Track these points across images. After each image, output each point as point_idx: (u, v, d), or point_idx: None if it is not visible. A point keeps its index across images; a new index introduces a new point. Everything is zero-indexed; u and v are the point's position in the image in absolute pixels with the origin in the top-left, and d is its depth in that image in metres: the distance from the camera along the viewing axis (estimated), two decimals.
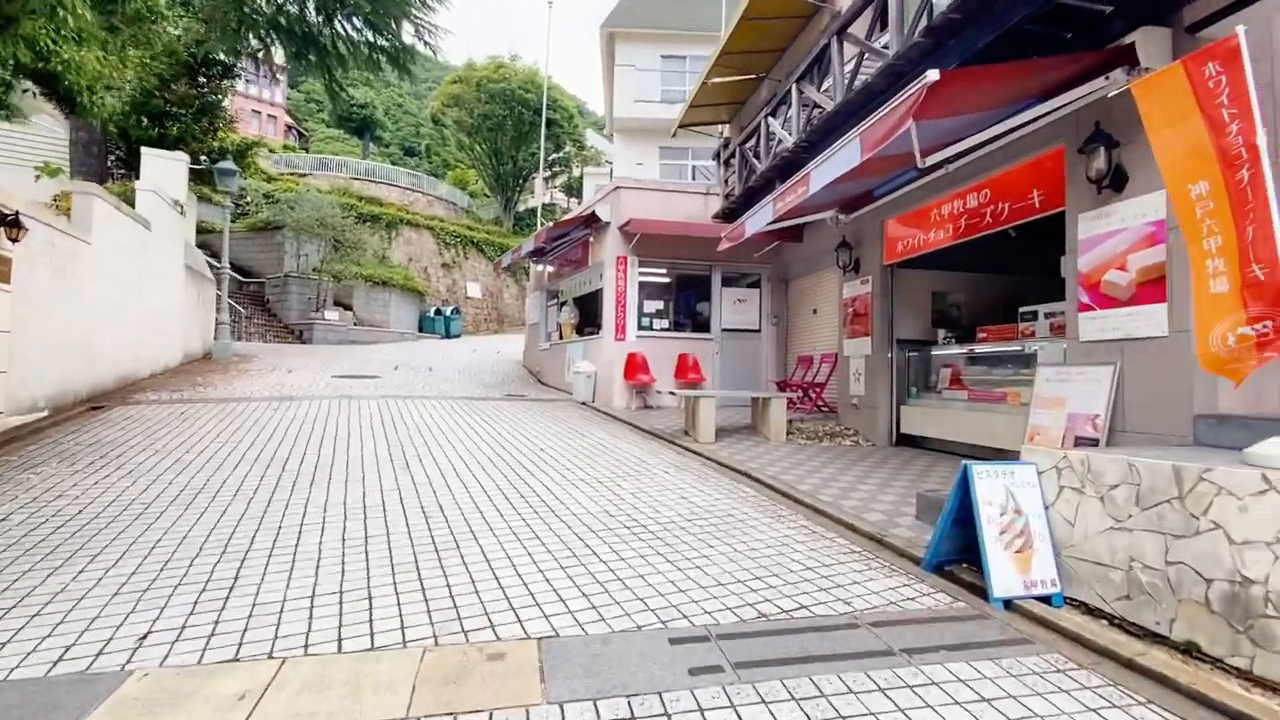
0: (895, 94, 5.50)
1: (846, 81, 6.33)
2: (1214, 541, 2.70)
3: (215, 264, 13.85)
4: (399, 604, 2.96)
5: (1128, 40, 4.17)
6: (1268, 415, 3.72)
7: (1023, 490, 3.49)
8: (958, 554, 3.68)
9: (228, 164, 13.36)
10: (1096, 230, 4.60)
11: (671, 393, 8.60)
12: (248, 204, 21.43)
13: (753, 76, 10.77)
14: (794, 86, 7.44)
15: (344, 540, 3.78)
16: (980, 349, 6.63)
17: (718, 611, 2.98)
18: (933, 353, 7.40)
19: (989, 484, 3.44)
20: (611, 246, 10.23)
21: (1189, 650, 2.74)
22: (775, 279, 10.67)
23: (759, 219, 6.69)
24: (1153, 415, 4.18)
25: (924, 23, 5.05)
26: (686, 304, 10.70)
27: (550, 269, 13.68)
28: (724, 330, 10.48)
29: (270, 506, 4.38)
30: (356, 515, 4.22)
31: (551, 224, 11.90)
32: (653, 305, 10.38)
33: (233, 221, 20.80)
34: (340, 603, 2.97)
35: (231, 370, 11.50)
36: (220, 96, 16.86)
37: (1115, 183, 4.42)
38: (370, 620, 2.80)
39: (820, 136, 6.80)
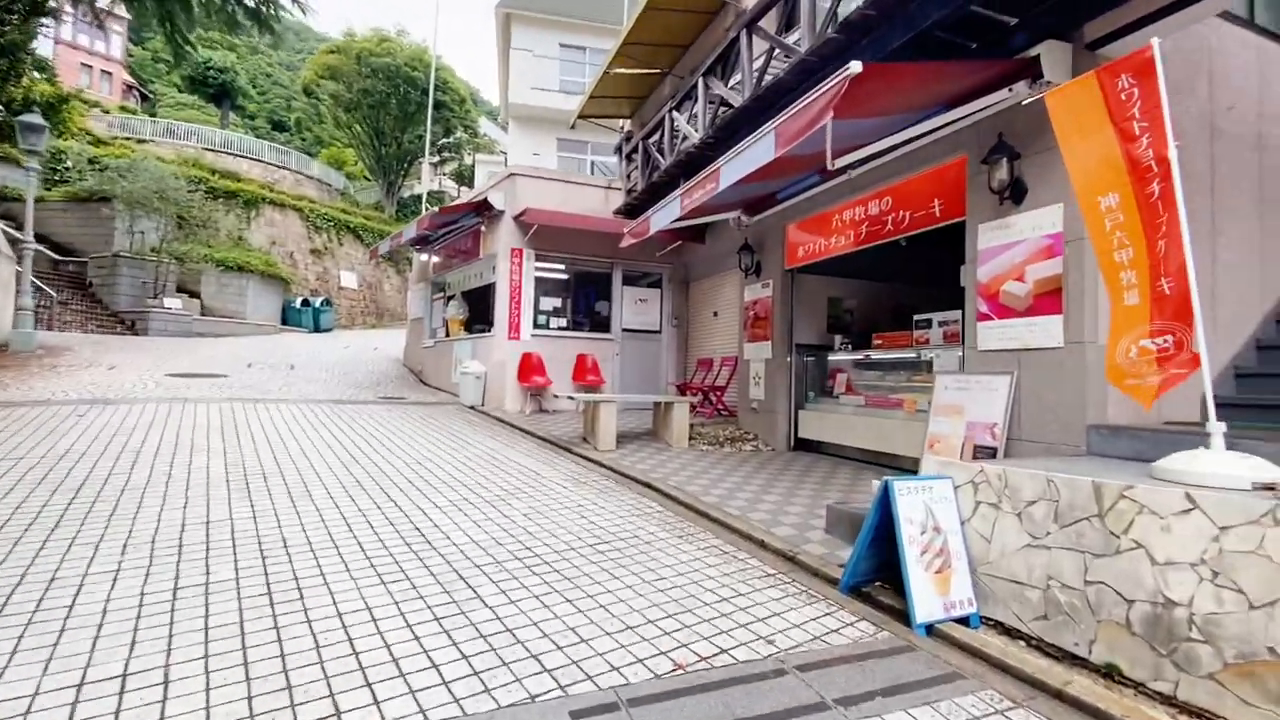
0: (806, 91, 5.36)
1: (755, 77, 6.12)
2: (1135, 561, 2.62)
3: (18, 236, 11.41)
4: (208, 690, 2.21)
5: (1032, 53, 4.20)
6: (1150, 425, 3.87)
7: (940, 506, 3.33)
8: (874, 573, 3.47)
9: (33, 118, 11.06)
10: (996, 241, 4.65)
11: (570, 397, 8.06)
12: (68, 169, 18.16)
13: (656, 71, 10.47)
14: (700, 81, 7.17)
15: (143, 596, 2.89)
16: (876, 355, 6.70)
17: (627, 665, 2.51)
18: (829, 358, 7.43)
19: (910, 501, 3.25)
20: (506, 238, 9.49)
21: (1110, 674, 2.64)
22: (676, 280, 10.43)
23: (665, 215, 6.32)
24: (1048, 424, 4.25)
25: (837, 19, 4.90)
26: (586, 302, 10.19)
27: (436, 259, 12.62)
28: (625, 331, 10.09)
29: (43, 550, 3.34)
30: (167, 558, 3.31)
31: (438, 209, 10.90)
32: (550, 302, 9.77)
33: (46, 189, 17.49)
34: (120, 693, 2.17)
35: (32, 366, 9.46)
36: (25, 37, 13.98)
37: (1015, 195, 4.48)
38: None
39: (728, 133, 6.56)
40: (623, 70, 10.52)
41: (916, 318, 6.24)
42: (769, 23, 6.15)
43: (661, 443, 7.27)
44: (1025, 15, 4.24)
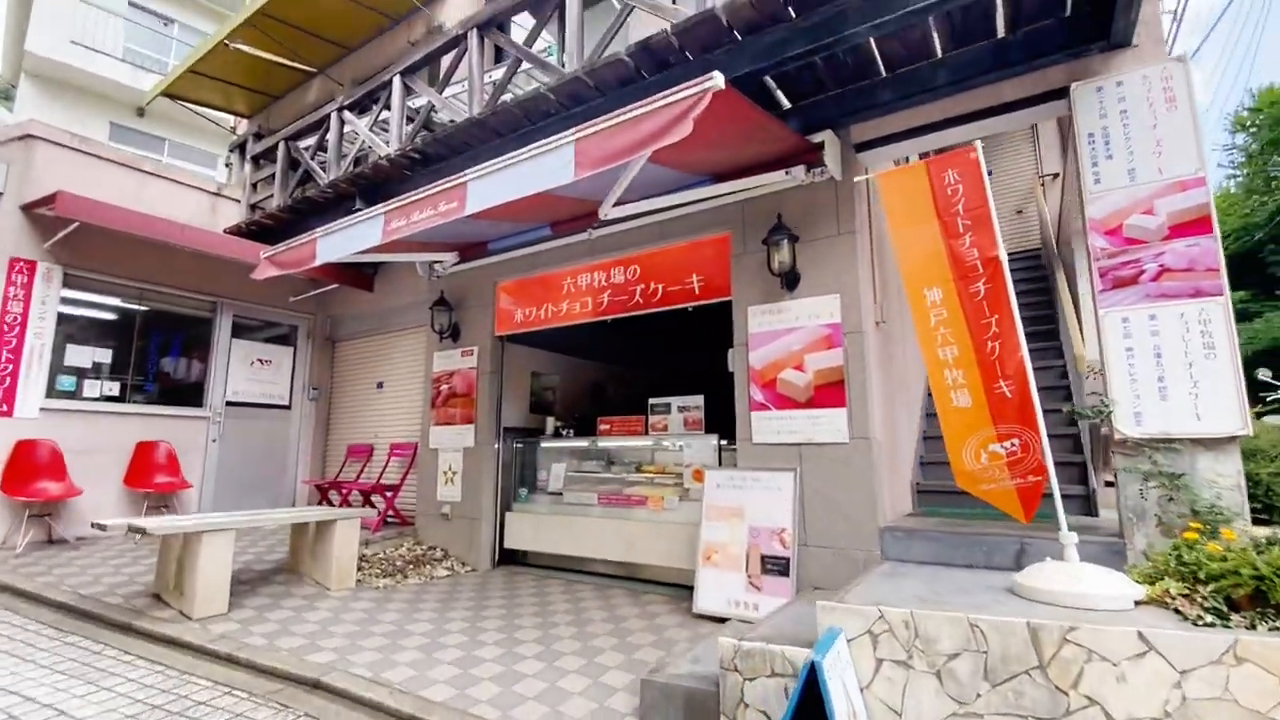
0: (563, 121, 4.34)
1: (491, 89, 4.82)
2: None
3: None
4: None
5: (816, 139, 4.10)
6: (930, 527, 3.84)
7: (850, 673, 2.43)
8: None
9: None
10: (769, 325, 4.33)
11: (133, 528, 4.44)
12: None
13: (301, 67, 8.03)
14: (398, 80, 5.46)
15: None
16: (606, 442, 5.80)
17: None
18: (542, 445, 6.22)
19: (837, 683, 2.25)
20: (3, 236, 5.46)
21: None
22: (318, 336, 7.77)
23: (347, 241, 4.31)
24: (837, 527, 3.92)
25: (617, 45, 4.09)
26: (161, 357, 6.61)
27: None
28: (231, 404, 6.86)
29: None
30: None
31: None
32: (87, 355, 5.96)
33: None
34: None
35: None
36: None
37: (789, 280, 4.24)
38: None
39: (446, 150, 5.00)
40: (248, 48, 7.73)
41: (653, 401, 5.62)
42: (520, 33, 5.00)
43: (310, 584, 4.74)
44: (804, 101, 4.16)
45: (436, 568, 5.48)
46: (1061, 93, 3.61)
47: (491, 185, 3.51)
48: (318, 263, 4.52)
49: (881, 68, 3.94)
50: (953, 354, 3.22)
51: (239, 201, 7.02)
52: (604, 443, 5.84)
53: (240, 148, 7.28)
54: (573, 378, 7.63)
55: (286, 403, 7.37)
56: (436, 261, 6.23)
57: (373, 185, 5.58)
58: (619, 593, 4.80)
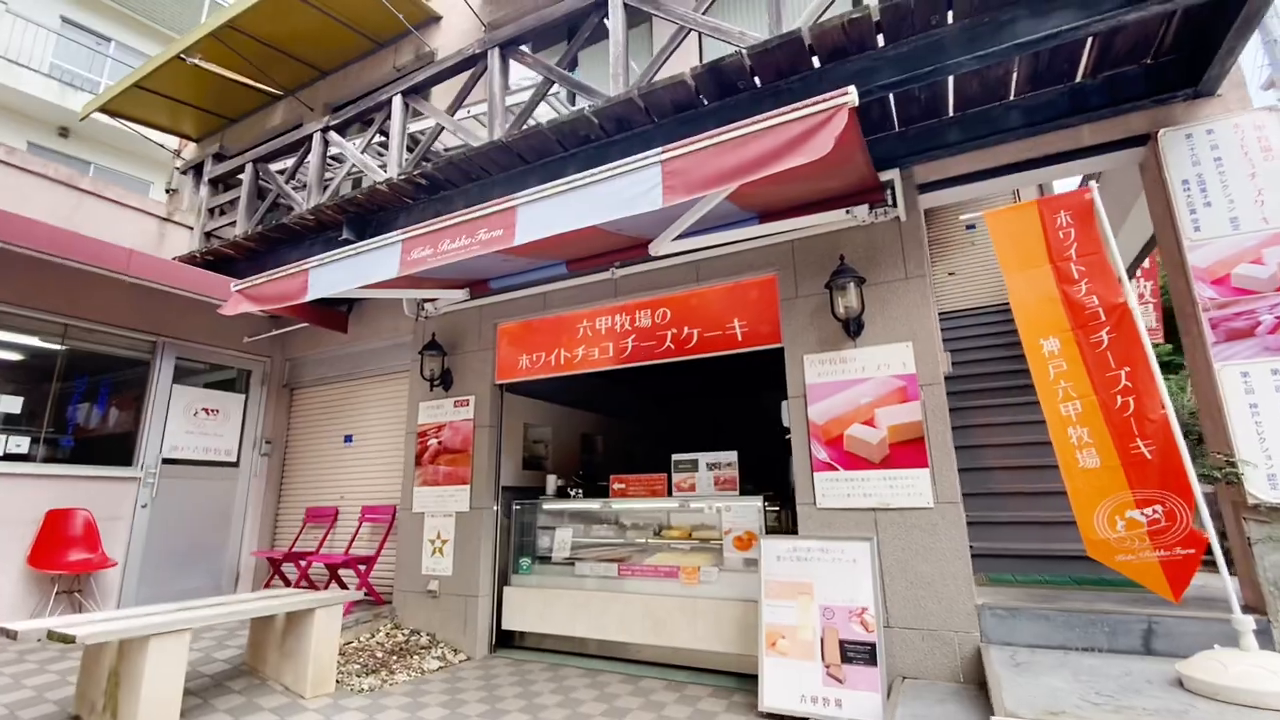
0: (602, 149, 3.94)
1: (514, 113, 4.37)
2: None
3: None
4: None
5: (885, 176, 3.84)
6: (1031, 604, 3.45)
7: None
8: None
9: None
10: (831, 376, 3.95)
11: (55, 635, 3.27)
12: None
13: (266, 89, 7.36)
14: (399, 100, 4.93)
15: None
16: (622, 504, 5.19)
17: None
18: (544, 507, 5.54)
19: None
20: None
21: None
22: (274, 382, 6.84)
23: (352, 272, 3.69)
24: (926, 606, 3.46)
25: (659, 71, 3.74)
26: (83, 407, 5.56)
27: None
28: (168, 461, 5.82)
29: None
30: None
31: None
32: None
33: None
34: None
35: None
36: None
37: (852, 327, 3.89)
38: None
39: (459, 176, 4.47)
40: (208, 64, 7.03)
41: (677, 457, 5.08)
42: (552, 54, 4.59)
43: (278, 690, 3.84)
44: (870, 137, 3.92)
45: (425, 658, 4.64)
46: (1140, 140, 3.50)
47: (548, 211, 3.01)
48: (309, 298, 3.85)
49: (951, 106, 3.76)
50: (1075, 410, 2.92)
51: (191, 228, 6.16)
52: (619, 504, 5.23)
53: (196, 169, 6.47)
54: (566, 429, 7.01)
55: (234, 459, 6.36)
56: (429, 300, 5.58)
57: (364, 213, 4.96)
58: (655, 685, 4.13)
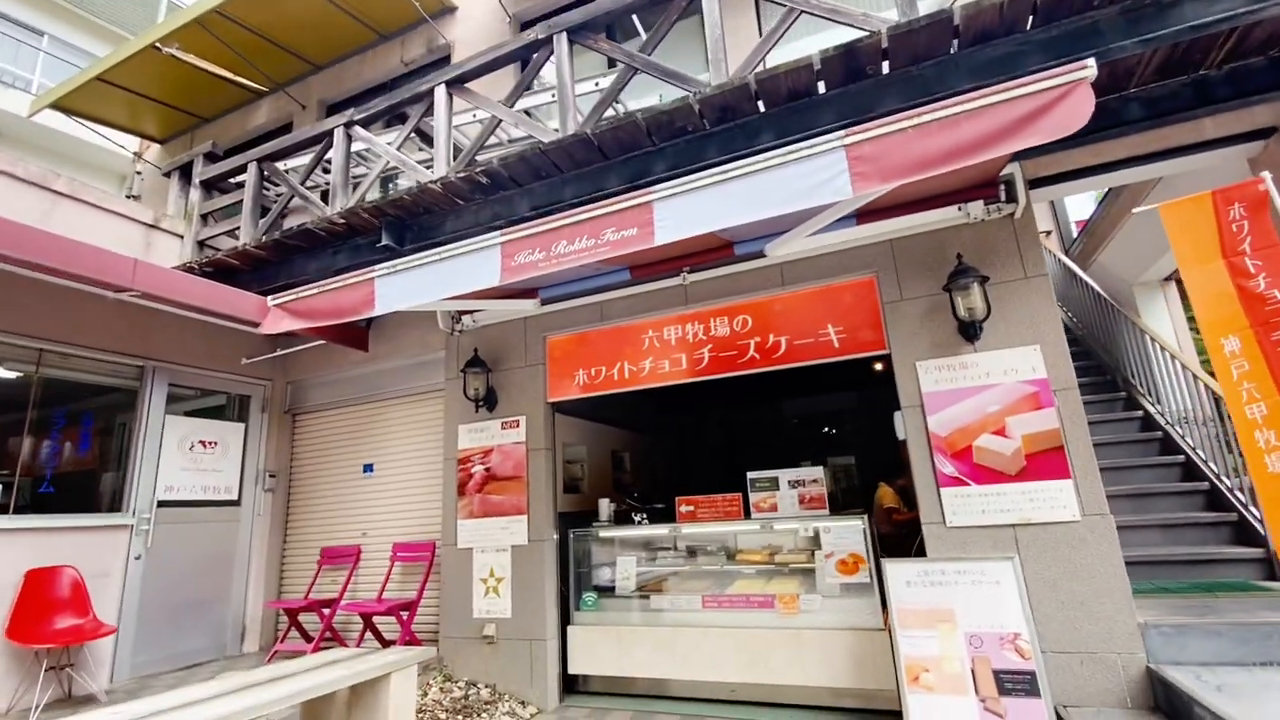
0: (699, 141, 3.60)
1: (594, 105, 3.98)
2: None
3: None
4: None
5: (1005, 170, 3.65)
6: (1208, 620, 3.27)
7: None
8: None
9: None
10: (951, 384, 3.71)
11: None
12: None
13: (249, 84, 6.67)
14: (443, 90, 4.44)
15: None
16: (694, 529, 4.81)
17: None
18: (601, 534, 5.09)
19: None
20: None
21: None
22: (275, 409, 6.13)
23: (433, 281, 3.20)
24: (1082, 627, 3.24)
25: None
26: (63, 446, 4.76)
27: None
28: (164, 503, 5.06)
29: None
30: None
31: None
32: None
33: None
34: None
35: None
36: None
37: (971, 331, 3.67)
38: None
39: (527, 173, 4.03)
40: (185, 55, 6.31)
41: (753, 476, 4.75)
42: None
43: None
44: None
45: (494, 715, 4.12)
46: (1265, 132, 3.43)
47: (696, 205, 2.66)
48: (376, 311, 3.35)
49: None
50: (1261, 412, 2.75)
51: (180, 236, 5.44)
52: (690, 529, 4.85)
53: (182, 170, 5.73)
54: (598, 448, 6.57)
55: (235, 496, 5.63)
56: (466, 313, 5.08)
57: (405, 216, 4.44)
58: None
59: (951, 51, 3.18)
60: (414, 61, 6.50)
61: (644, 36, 5.04)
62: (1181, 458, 4.97)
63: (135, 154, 8.10)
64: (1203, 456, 4.77)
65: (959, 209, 3.74)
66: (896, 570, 3.60)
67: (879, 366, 4.88)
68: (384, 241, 4.34)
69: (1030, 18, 3.00)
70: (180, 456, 5.22)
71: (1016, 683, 3.18)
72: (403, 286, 3.30)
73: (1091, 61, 2.17)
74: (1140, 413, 5.60)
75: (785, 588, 4.32)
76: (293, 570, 5.83)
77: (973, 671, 3.27)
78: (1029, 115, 2.17)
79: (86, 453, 4.80)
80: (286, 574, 5.85)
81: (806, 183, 2.45)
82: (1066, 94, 2.15)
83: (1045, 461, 3.45)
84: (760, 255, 4.14)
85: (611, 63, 5.56)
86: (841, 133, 2.45)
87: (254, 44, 6.43)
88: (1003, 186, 3.68)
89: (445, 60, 6.35)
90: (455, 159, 4.41)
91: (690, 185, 2.69)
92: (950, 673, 3.31)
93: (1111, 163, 3.70)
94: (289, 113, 7.14)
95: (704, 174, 2.66)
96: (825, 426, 9.19)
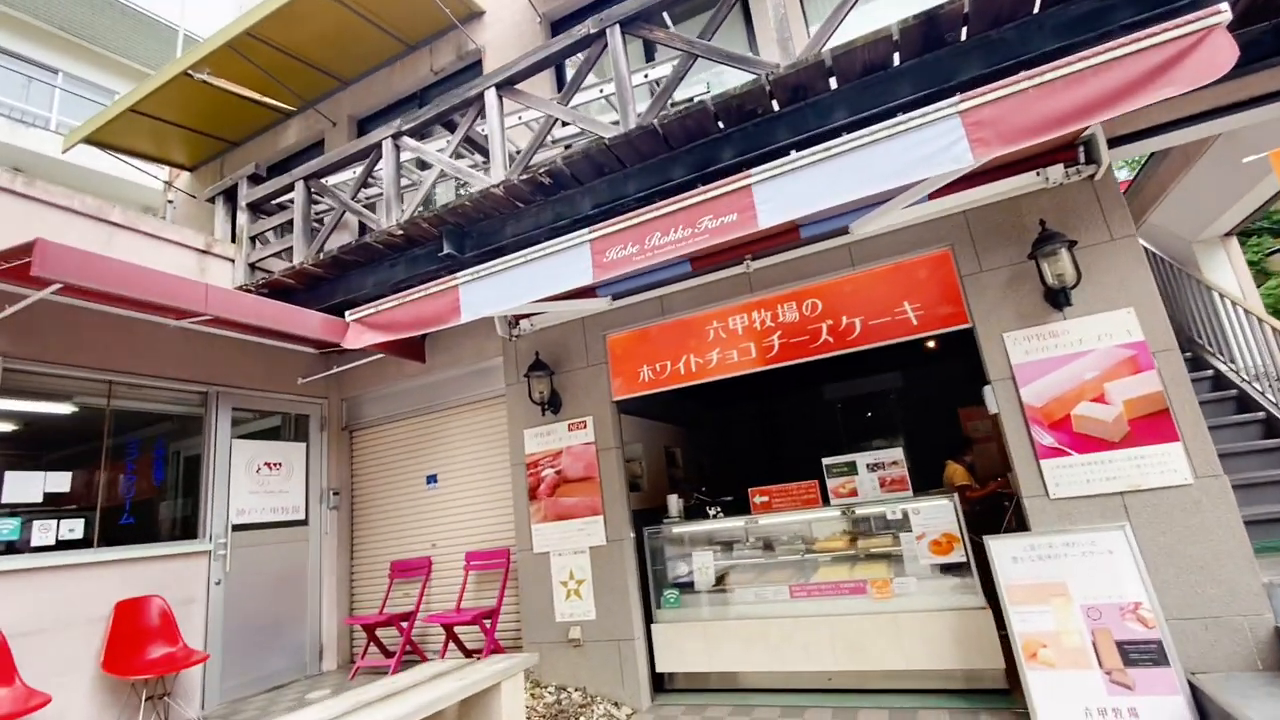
0: (768, 124, 3.55)
1: (655, 95, 3.93)
2: None
3: None
4: None
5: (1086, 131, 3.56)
6: None
7: None
8: None
9: None
10: (1042, 354, 3.63)
11: None
12: None
13: (278, 104, 6.67)
14: (494, 94, 4.41)
15: None
16: (771, 519, 4.76)
17: None
18: (673, 530, 5.06)
19: None
20: None
21: None
22: (333, 425, 6.13)
23: (524, 283, 3.18)
24: (1204, 591, 3.17)
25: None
26: (133, 474, 4.77)
27: None
28: (238, 527, 5.08)
29: None
30: None
31: None
32: (35, 482, 4.11)
33: None
34: None
35: None
36: None
37: (1059, 298, 3.59)
38: None
39: (589, 170, 3.99)
40: (220, 82, 6.32)
41: (828, 461, 4.69)
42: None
43: None
44: None
45: (591, 718, 4.10)
46: None
47: (801, 185, 2.60)
48: (463, 319, 3.31)
49: None
50: None
51: (231, 260, 5.45)
52: (767, 520, 4.80)
53: (226, 194, 5.74)
54: (653, 446, 6.54)
55: (303, 516, 5.64)
56: (524, 317, 5.05)
57: (464, 224, 4.41)
58: (878, 716, 3.70)
59: (1034, 11, 3.10)
60: (444, 69, 6.48)
61: (671, 26, 5.02)
62: (1262, 415, 4.86)
63: (166, 183, 8.14)
64: None
65: (1037, 174, 3.66)
66: (1001, 546, 3.54)
67: (931, 345, 4.78)
68: (445, 250, 4.32)
69: None
70: (248, 480, 5.23)
71: (1143, 652, 3.11)
72: (488, 293, 3.27)
73: (1225, 5, 2.09)
74: (1210, 372, 5.49)
75: (875, 572, 4.27)
76: (363, 586, 5.84)
77: (1094, 644, 3.20)
78: (1161, 66, 2.10)
79: (161, 481, 4.82)
80: (357, 590, 5.85)
81: (920, 152, 2.39)
82: (1200, 41, 2.08)
83: (1150, 426, 3.37)
84: (828, 236, 4.09)
85: (649, 54, 5.55)
86: (955, 99, 2.39)
87: (283, 64, 6.43)
88: (1082, 148, 3.60)
89: (476, 65, 6.32)
90: (509, 163, 4.37)
91: (790, 165, 2.64)
92: (1070, 646, 3.24)
93: (1191, 116, 3.61)
94: (319, 130, 7.14)
95: (808, 152, 2.60)
96: (868, 410, 9.10)
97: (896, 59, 3.35)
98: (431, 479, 5.75)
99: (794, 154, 2.63)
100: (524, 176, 3.96)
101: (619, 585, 4.57)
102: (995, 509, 5.43)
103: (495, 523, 5.33)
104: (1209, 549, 3.19)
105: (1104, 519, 3.39)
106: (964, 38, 3.25)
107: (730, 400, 9.35)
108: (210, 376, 5.12)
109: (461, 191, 5.76)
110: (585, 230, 3.05)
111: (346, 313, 3.79)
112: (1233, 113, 3.57)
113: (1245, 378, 5.12)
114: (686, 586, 4.87)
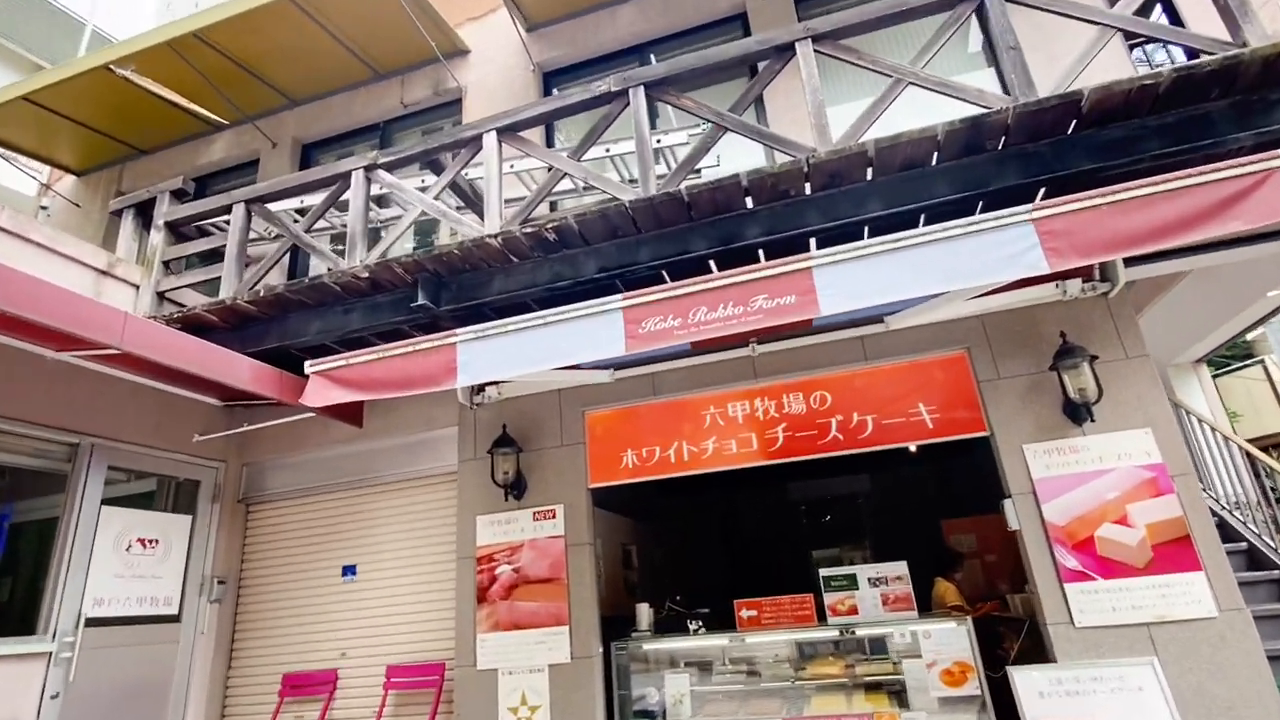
0: (795, 207, 3.78)
1: (679, 164, 4.09)
2: None
3: None
4: None
5: None
6: None
7: None
8: None
9: None
10: (1063, 469, 3.89)
11: None
12: None
13: (206, 115, 6.40)
14: (493, 138, 4.45)
15: None
16: (759, 637, 4.64)
17: None
18: (644, 647, 4.83)
19: None
20: None
21: None
22: (227, 496, 5.55)
23: (540, 348, 3.15)
24: None
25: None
26: None
27: None
28: (92, 621, 4.37)
29: None
30: None
31: None
32: None
33: None
34: None
35: None
36: None
37: (1079, 413, 3.89)
38: None
39: (602, 231, 4.03)
40: (145, 82, 6.06)
41: (827, 574, 4.69)
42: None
43: None
44: None
45: None
46: None
47: (865, 273, 2.75)
48: (459, 383, 3.19)
49: None
50: None
51: (135, 286, 5.02)
52: (755, 639, 4.68)
53: (139, 209, 5.34)
54: (609, 542, 6.34)
55: (175, 610, 4.96)
56: (495, 382, 4.90)
57: (444, 273, 4.30)
58: None
59: (1069, 132, 3.53)
60: (416, 104, 6.50)
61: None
62: (1244, 544, 5.34)
63: (44, 185, 7.51)
64: (1271, 544, 5.15)
65: (1056, 285, 4.05)
66: (1026, 680, 3.59)
67: (913, 448, 5.05)
68: (420, 300, 4.17)
69: (1151, 103, 3.38)
70: (116, 559, 4.58)
71: None
72: (492, 355, 3.16)
73: None
74: None
75: (877, 705, 4.21)
76: (243, 704, 5.11)
77: None
78: (1230, 199, 2.42)
79: (1, 557, 4.13)
80: (234, 709, 5.12)
81: (996, 255, 2.59)
82: (1265, 179, 2.42)
83: (1173, 552, 3.62)
84: (846, 326, 4.30)
85: (651, 120, 5.81)
86: (1027, 206, 2.64)
87: (226, 71, 6.23)
88: (1098, 265, 4.03)
89: (454, 104, 6.39)
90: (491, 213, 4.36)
91: (856, 252, 2.78)
92: None
93: (1214, 242, 4.13)
94: (253, 149, 6.89)
95: (877, 240, 2.76)
96: (843, 512, 9.28)
97: (934, 158, 3.69)
98: (349, 570, 5.26)
99: (856, 244, 2.78)
100: (529, 230, 3.96)
101: (585, 714, 4.25)
102: (990, 634, 5.56)
103: (428, 629, 4.89)
104: (1236, 689, 3.38)
105: (1131, 651, 3.54)
106: (1001, 146, 3.63)
107: (690, 489, 9.30)
108: (85, 425, 4.56)
109: (433, 239, 5.64)
110: (617, 297, 3.05)
111: (307, 364, 3.52)
112: (1242, 245, 4.11)
113: (1225, 505, 5.64)
114: (652, 716, 4.60)
